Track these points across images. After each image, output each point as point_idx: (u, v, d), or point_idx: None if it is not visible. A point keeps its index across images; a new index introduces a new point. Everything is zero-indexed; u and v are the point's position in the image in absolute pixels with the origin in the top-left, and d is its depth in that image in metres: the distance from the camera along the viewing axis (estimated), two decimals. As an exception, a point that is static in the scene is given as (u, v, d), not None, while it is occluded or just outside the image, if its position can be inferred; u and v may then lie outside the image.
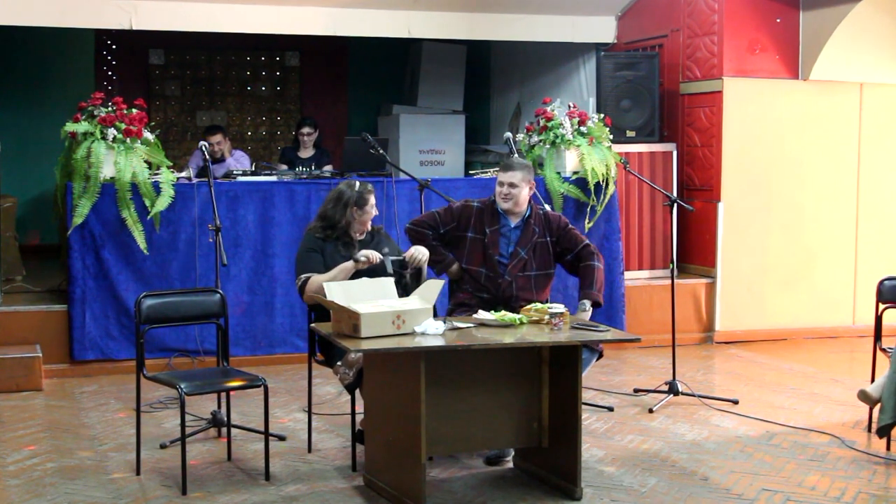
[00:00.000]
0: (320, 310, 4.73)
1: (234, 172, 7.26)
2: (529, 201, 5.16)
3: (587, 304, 4.94)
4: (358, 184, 4.94)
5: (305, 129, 8.63)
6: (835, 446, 5.15)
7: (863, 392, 5.11)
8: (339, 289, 4.37)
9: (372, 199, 4.92)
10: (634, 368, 6.92)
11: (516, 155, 6.75)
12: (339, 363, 4.69)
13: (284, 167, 7.83)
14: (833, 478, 4.68)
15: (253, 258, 6.90)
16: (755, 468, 4.81)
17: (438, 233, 5.15)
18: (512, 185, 5.03)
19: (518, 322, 4.46)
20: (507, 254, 5.08)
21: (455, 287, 5.24)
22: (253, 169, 7.42)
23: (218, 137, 8.31)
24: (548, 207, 5.55)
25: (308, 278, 4.76)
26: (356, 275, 4.68)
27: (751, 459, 4.95)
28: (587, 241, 5.14)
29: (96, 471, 4.72)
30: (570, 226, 5.17)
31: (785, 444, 5.20)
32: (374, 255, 4.74)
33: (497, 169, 5.20)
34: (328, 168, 8.13)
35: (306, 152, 8.58)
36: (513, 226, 5.11)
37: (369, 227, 4.98)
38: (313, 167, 7.64)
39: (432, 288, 4.44)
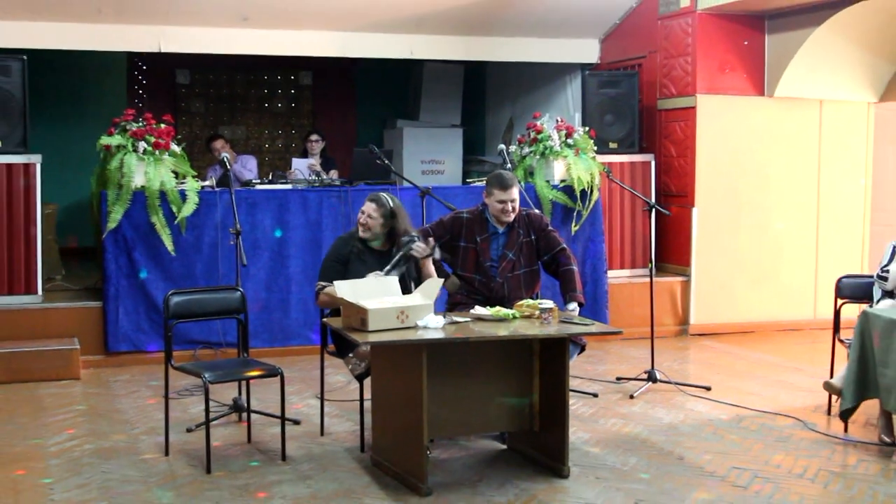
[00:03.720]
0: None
1: (254, 182, 7.24)
2: None
3: (574, 304, 4.92)
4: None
5: (314, 137, 8.63)
6: (798, 428, 5.14)
7: (827, 383, 5.13)
8: (348, 287, 4.36)
9: (362, 207, 4.80)
10: (617, 358, 6.92)
11: (509, 164, 6.73)
12: (350, 355, 4.67)
13: (298, 173, 7.82)
14: (797, 456, 4.68)
15: (270, 259, 6.89)
16: (726, 448, 4.81)
17: (440, 241, 5.09)
18: (513, 201, 4.98)
19: (511, 317, 4.45)
20: (497, 258, 5.05)
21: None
22: (268, 178, 7.40)
23: (219, 144, 8.29)
24: (536, 210, 5.52)
25: (322, 287, 4.69)
26: (363, 274, 4.65)
27: (722, 440, 4.94)
28: (563, 245, 5.11)
29: (129, 452, 4.72)
30: (550, 227, 5.14)
31: (753, 426, 5.20)
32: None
33: (486, 182, 5.12)
34: (334, 173, 8.15)
35: (314, 160, 8.57)
36: (500, 231, 5.08)
37: (373, 233, 4.80)
38: (321, 175, 7.63)
39: (433, 286, 4.43)
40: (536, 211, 5.38)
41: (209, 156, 8.59)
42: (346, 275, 4.71)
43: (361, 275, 4.64)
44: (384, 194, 4.85)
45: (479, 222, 5.10)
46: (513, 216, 5.02)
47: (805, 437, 4.99)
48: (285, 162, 10.73)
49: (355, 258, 4.80)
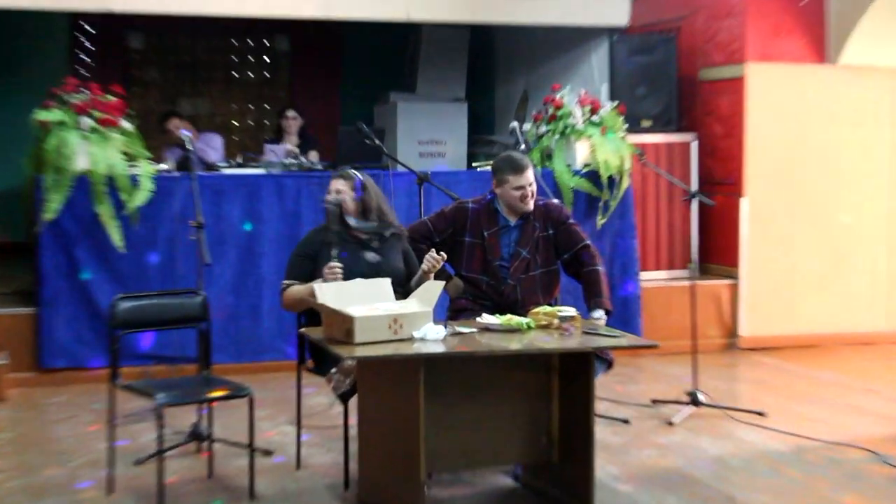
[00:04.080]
0: (311, 313, 4.70)
1: (219, 165, 7.21)
2: None
3: (601, 312, 4.93)
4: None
5: (290, 113, 8.64)
6: (872, 462, 5.10)
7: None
8: (330, 290, 4.32)
9: (329, 186, 4.84)
10: (652, 377, 6.90)
11: (523, 146, 6.69)
12: (333, 371, 4.65)
13: (272, 155, 7.76)
14: (871, 498, 4.63)
15: (238, 257, 6.89)
16: (785, 487, 4.76)
17: (434, 242, 5.10)
18: (531, 184, 5.02)
19: (525, 327, 4.43)
20: (508, 256, 5.04)
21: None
22: (237, 161, 7.36)
23: (175, 122, 8.31)
24: (555, 200, 5.49)
25: (286, 287, 4.76)
26: (349, 276, 4.59)
27: (780, 477, 4.90)
28: (587, 241, 5.11)
29: (64, 489, 4.67)
30: (571, 220, 5.15)
31: (817, 460, 5.16)
32: (333, 272, 4.59)
33: (492, 169, 5.13)
34: (314, 156, 8.08)
35: (290, 141, 8.55)
36: (513, 224, 5.07)
37: (356, 221, 4.83)
38: (300, 158, 7.58)
39: (432, 290, 4.39)
40: (555, 201, 5.36)
41: (166, 135, 8.55)
42: (315, 272, 4.72)
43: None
44: (349, 169, 4.95)
45: (487, 214, 5.08)
46: (531, 203, 5.03)
47: (881, 474, 4.96)
48: (257, 142, 10.67)
49: (328, 251, 4.76)
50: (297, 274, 4.75)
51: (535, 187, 5.02)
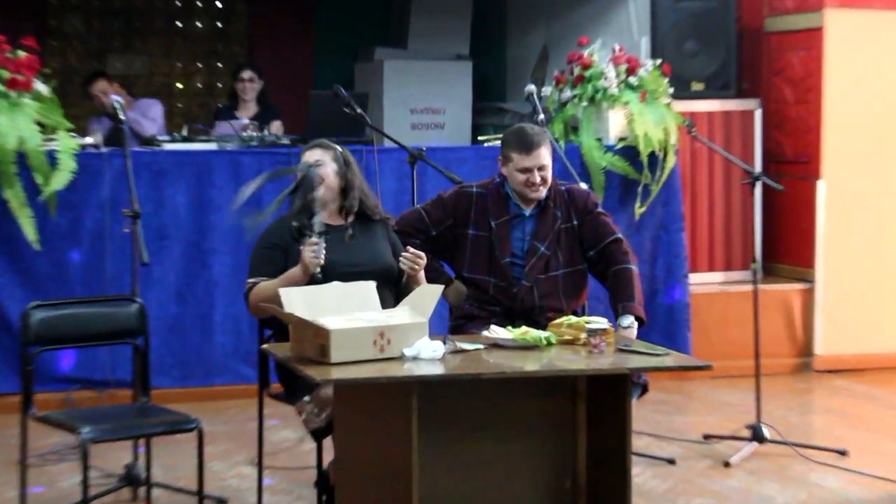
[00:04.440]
0: (278, 325, 4.72)
1: (160, 139, 7.20)
2: None
3: (630, 319, 4.94)
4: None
5: (247, 74, 8.62)
6: (981, 513, 5.13)
7: None
8: (300, 297, 4.31)
9: (303, 158, 4.88)
10: (704, 406, 6.91)
11: (541, 115, 6.71)
12: (305, 399, 4.66)
13: (226, 127, 7.78)
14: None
15: (184, 255, 6.91)
16: (871, 544, 4.80)
17: (429, 236, 5.12)
18: (542, 168, 5.00)
19: (544, 342, 4.42)
20: (523, 252, 5.06)
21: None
22: (182, 134, 7.36)
23: (101, 86, 8.29)
24: (583, 185, 5.51)
25: (254, 285, 4.74)
26: (326, 278, 4.61)
27: (865, 531, 4.95)
28: (619, 235, 5.14)
29: (-34, 546, 4.69)
30: (600, 209, 5.17)
31: (911, 510, 5.20)
32: (313, 252, 4.59)
33: (500, 142, 5.16)
34: (278, 127, 8.08)
35: (247, 110, 8.53)
36: (528, 213, 5.09)
37: (331, 205, 4.87)
38: (263, 130, 7.59)
39: (427, 296, 4.39)
40: (582, 186, 5.35)
41: (91, 101, 8.56)
42: (287, 265, 4.73)
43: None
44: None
45: (495, 200, 5.11)
46: (543, 191, 5.03)
47: None
48: (206, 110, 10.69)
49: (298, 243, 4.77)
50: (266, 269, 4.73)
51: (548, 172, 5.01)
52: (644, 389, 4.95)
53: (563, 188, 5.16)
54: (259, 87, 8.68)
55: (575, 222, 5.11)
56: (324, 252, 4.58)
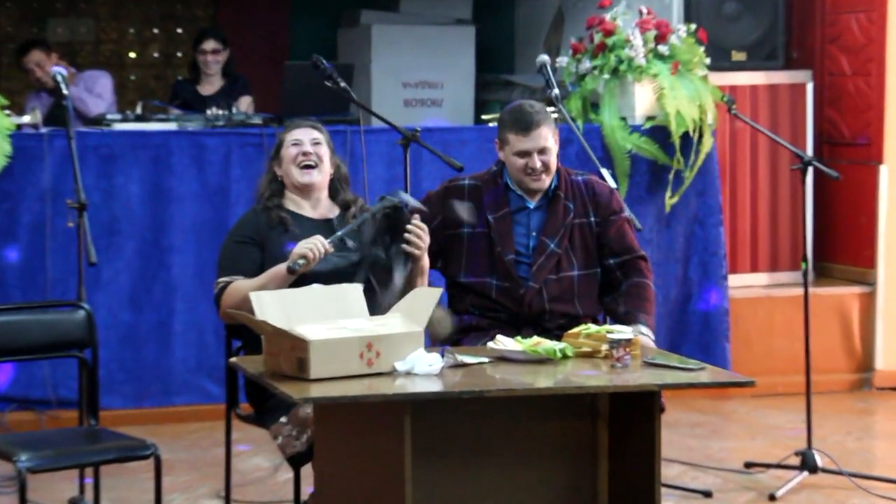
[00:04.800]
0: (248, 334, 4.69)
1: (109, 118, 7.19)
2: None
3: (647, 329, 4.95)
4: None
5: (209, 45, 8.57)
6: None
7: None
8: (274, 301, 4.33)
9: (289, 137, 4.92)
10: (745, 429, 6.91)
11: (555, 90, 6.72)
12: (281, 420, 4.68)
13: (179, 112, 7.79)
14: None
15: (139, 253, 6.93)
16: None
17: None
18: (543, 151, 5.02)
19: (559, 355, 4.42)
20: (529, 250, 5.08)
21: (456, 305, 5.21)
22: (135, 113, 7.36)
23: (36, 57, 8.27)
24: (606, 175, 5.51)
25: (227, 285, 4.74)
26: (303, 280, 4.65)
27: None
28: (643, 253, 5.18)
29: None
30: (625, 213, 5.19)
31: None
32: (317, 246, 4.65)
33: (497, 122, 5.18)
34: (247, 104, 8.09)
35: (210, 85, 8.53)
36: (533, 206, 5.12)
37: (303, 184, 4.93)
38: (231, 108, 7.60)
39: (424, 300, 4.40)
40: (608, 181, 5.34)
41: (27, 75, 8.57)
42: (264, 263, 4.76)
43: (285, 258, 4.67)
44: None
45: (493, 191, 5.14)
46: (545, 179, 5.05)
47: None
48: (164, 84, 10.69)
49: (277, 235, 4.82)
50: (241, 266, 4.75)
51: (551, 157, 5.02)
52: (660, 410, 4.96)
53: (578, 178, 5.17)
54: (224, 59, 8.61)
55: (593, 219, 5.13)
56: (322, 249, 4.61)
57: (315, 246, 4.63)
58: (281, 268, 4.65)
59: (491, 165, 5.21)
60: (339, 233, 4.71)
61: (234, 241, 4.88)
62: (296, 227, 4.85)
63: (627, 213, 5.22)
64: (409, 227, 4.72)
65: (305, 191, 4.94)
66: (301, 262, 4.59)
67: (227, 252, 4.87)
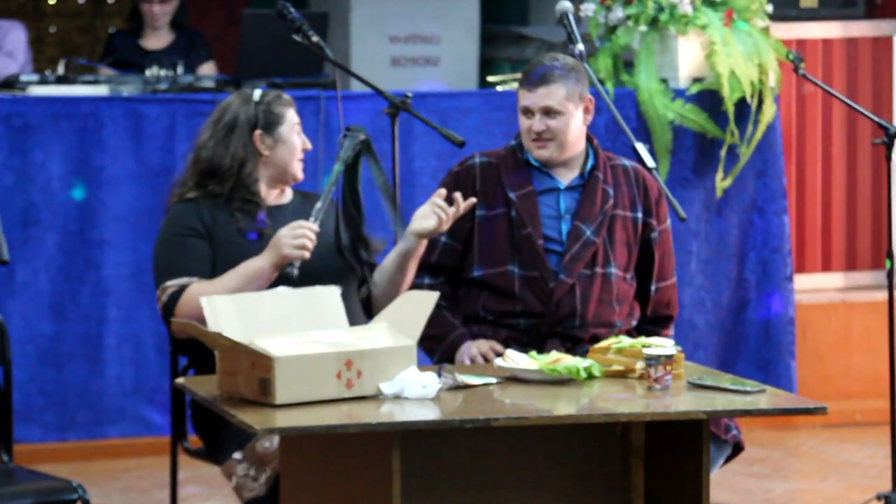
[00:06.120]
0: (199, 349, 4.71)
1: (24, 80, 7.22)
2: (590, 138, 5.17)
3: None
4: (259, 93, 4.99)
5: None
6: None
7: None
8: (230, 308, 4.35)
9: (291, 116, 4.96)
10: (816, 466, 6.97)
11: (579, 46, 6.76)
12: (236, 455, 4.71)
13: (113, 72, 7.81)
14: None
15: (62, 250, 6.99)
16: None
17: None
18: (549, 112, 5.06)
19: (583, 374, 4.44)
20: (562, 234, 5.12)
21: (464, 308, 5.25)
22: (57, 73, 7.39)
23: None
24: (643, 151, 5.51)
25: (182, 289, 4.76)
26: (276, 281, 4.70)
27: None
28: (677, 307, 5.31)
29: None
30: (668, 223, 5.25)
31: None
32: (307, 234, 4.67)
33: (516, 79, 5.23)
34: (207, 68, 8.12)
35: (157, 39, 8.54)
36: (564, 186, 5.15)
37: (297, 179, 4.99)
38: (177, 68, 7.63)
39: (417, 306, 4.44)
40: (646, 159, 5.37)
41: None
42: (216, 253, 4.81)
43: (247, 244, 4.73)
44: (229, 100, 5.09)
45: (511, 166, 5.18)
46: (551, 147, 5.09)
47: None
48: (94, 40, 10.71)
49: (227, 223, 4.85)
50: (195, 265, 4.77)
51: (562, 123, 5.04)
52: (736, 450, 4.98)
53: (619, 163, 5.22)
54: (173, 8, 8.63)
55: (640, 215, 5.18)
56: (311, 240, 4.65)
57: (305, 234, 4.67)
58: (259, 264, 4.67)
59: (511, 141, 5.24)
60: (318, 205, 4.76)
61: (175, 234, 4.88)
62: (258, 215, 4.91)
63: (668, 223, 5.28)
64: (433, 199, 4.76)
65: (289, 182, 5.00)
66: (297, 264, 4.67)
67: (169, 249, 4.88)
